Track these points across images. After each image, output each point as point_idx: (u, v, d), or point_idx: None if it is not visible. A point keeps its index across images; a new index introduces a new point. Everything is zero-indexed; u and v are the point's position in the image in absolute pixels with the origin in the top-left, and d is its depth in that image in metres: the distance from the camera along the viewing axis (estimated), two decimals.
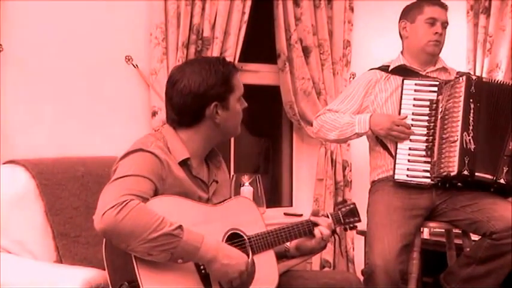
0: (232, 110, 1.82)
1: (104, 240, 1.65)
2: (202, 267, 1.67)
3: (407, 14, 2.64)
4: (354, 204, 2.03)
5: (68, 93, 2.64)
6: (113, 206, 1.54)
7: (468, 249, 2.51)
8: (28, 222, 2.09)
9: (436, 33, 2.55)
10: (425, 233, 3.25)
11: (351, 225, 2.02)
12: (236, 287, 1.68)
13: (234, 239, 1.78)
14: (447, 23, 2.59)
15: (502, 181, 2.40)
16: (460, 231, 2.58)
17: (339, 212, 2.00)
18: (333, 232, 1.98)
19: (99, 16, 2.71)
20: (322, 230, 1.91)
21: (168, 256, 1.58)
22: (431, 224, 2.58)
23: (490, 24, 3.18)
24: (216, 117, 1.79)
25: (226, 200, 1.85)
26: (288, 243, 1.94)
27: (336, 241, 3.10)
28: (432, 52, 2.59)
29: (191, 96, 1.76)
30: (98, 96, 2.72)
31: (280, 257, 1.93)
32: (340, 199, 3.30)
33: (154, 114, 2.79)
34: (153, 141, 1.75)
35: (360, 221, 2.02)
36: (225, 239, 1.76)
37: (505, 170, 2.40)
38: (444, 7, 2.60)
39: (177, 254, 1.59)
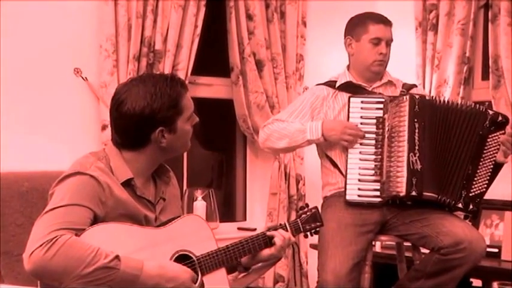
0: (179, 132, 1.74)
1: None
2: None
3: (352, 30, 2.63)
4: (315, 208, 1.96)
5: (13, 106, 2.57)
6: (41, 245, 1.48)
7: (418, 262, 2.54)
8: None
9: (381, 53, 2.56)
10: (377, 246, 3.28)
11: (312, 231, 1.95)
12: None
13: (182, 260, 1.72)
14: (391, 40, 2.60)
15: (459, 205, 2.41)
16: (411, 245, 2.61)
17: (298, 220, 1.93)
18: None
19: (47, 27, 2.65)
20: (277, 241, 1.83)
21: None
22: (382, 238, 2.60)
23: (438, 41, 3.26)
24: (161, 142, 1.72)
25: (173, 220, 1.77)
26: None
27: (295, 252, 3.04)
28: (377, 71, 2.61)
29: (135, 121, 1.68)
30: (45, 108, 2.65)
31: (232, 269, 1.87)
32: (293, 213, 3.30)
33: (104, 127, 2.73)
34: (93, 162, 1.67)
35: (322, 225, 1.95)
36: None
37: (463, 195, 2.40)
38: (388, 24, 2.60)
39: (115, 285, 1.53)
